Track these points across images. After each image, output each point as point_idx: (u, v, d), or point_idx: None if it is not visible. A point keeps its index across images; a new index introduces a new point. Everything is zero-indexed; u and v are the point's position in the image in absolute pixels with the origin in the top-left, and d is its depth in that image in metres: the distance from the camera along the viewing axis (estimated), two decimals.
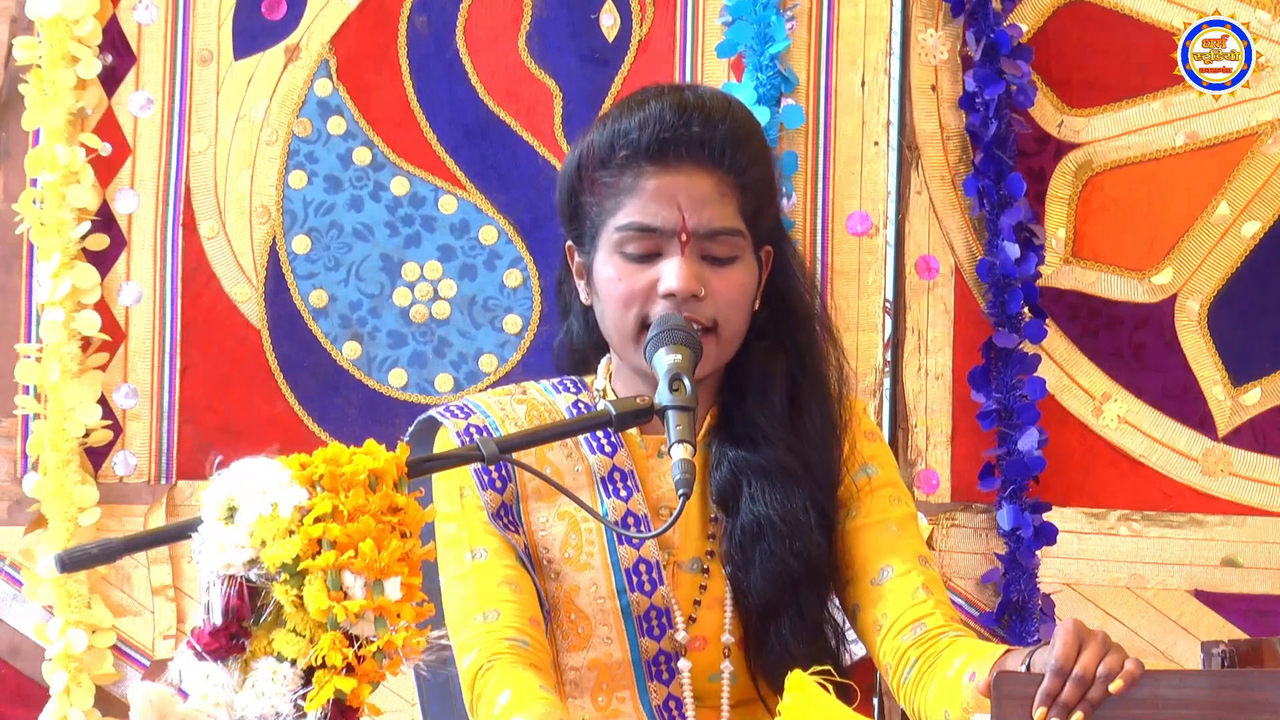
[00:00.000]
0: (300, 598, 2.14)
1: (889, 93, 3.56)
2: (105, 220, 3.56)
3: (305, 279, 3.57)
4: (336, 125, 3.57)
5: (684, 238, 2.58)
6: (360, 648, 2.14)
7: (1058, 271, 3.58)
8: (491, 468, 2.60)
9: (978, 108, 3.52)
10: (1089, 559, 3.56)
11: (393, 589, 2.15)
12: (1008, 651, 2.39)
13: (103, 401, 3.53)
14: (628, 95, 2.68)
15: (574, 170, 2.65)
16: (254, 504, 2.15)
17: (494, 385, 3.42)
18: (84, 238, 3.52)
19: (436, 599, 2.56)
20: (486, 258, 3.57)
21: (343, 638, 2.13)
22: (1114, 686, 2.15)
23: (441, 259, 3.57)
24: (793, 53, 3.53)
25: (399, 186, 3.57)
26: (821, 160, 3.55)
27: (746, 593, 2.61)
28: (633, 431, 2.64)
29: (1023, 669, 2.26)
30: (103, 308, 3.55)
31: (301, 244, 3.57)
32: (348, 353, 3.57)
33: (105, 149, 3.55)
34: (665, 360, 2.51)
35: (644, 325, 2.58)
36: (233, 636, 2.17)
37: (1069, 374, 3.58)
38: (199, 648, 2.17)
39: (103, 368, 3.54)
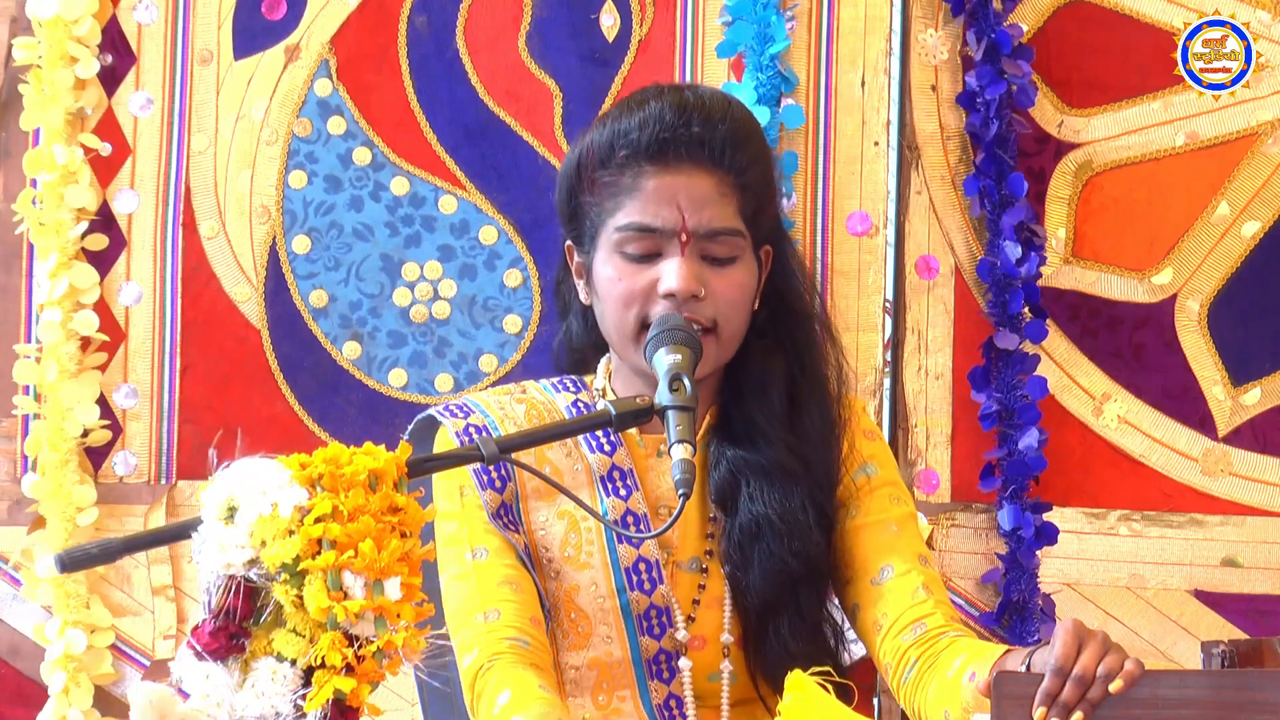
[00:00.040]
0: (300, 598, 2.14)
1: (889, 93, 3.56)
2: (105, 220, 3.56)
3: (305, 279, 3.57)
4: (336, 125, 3.57)
5: (684, 238, 2.57)
6: (360, 648, 2.14)
7: (1058, 271, 3.58)
8: (491, 467, 2.60)
9: (978, 107, 3.52)
10: (1089, 559, 3.56)
11: (393, 589, 2.15)
12: (1008, 651, 2.38)
13: (103, 401, 3.54)
14: (628, 95, 2.68)
15: (574, 170, 2.65)
16: (254, 504, 2.15)
17: (494, 385, 3.42)
18: (82, 238, 3.52)
19: (436, 599, 2.55)
20: (486, 258, 3.57)
21: (343, 638, 2.13)
22: (1114, 686, 2.15)
23: (441, 259, 3.57)
24: (793, 53, 3.53)
25: (399, 186, 3.57)
26: (821, 160, 3.55)
27: (745, 592, 2.61)
28: (632, 431, 2.64)
29: (1023, 669, 2.26)
30: (103, 308, 3.55)
31: (301, 244, 3.57)
32: (348, 353, 3.57)
33: (105, 149, 3.55)
34: (665, 360, 2.51)
35: (644, 325, 2.58)
36: (233, 636, 2.17)
37: (1069, 374, 3.59)
38: (199, 648, 2.17)
39: (102, 368, 3.54)
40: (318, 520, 2.15)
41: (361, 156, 3.58)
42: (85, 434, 3.52)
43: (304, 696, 2.13)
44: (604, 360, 2.73)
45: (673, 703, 2.62)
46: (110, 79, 3.56)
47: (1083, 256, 3.60)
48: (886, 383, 3.56)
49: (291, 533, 2.15)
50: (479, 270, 3.57)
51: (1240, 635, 3.52)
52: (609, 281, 2.60)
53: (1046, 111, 3.59)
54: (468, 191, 3.58)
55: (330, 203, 3.57)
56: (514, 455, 2.42)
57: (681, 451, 2.40)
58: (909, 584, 2.60)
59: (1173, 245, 3.60)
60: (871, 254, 3.56)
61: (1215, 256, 3.59)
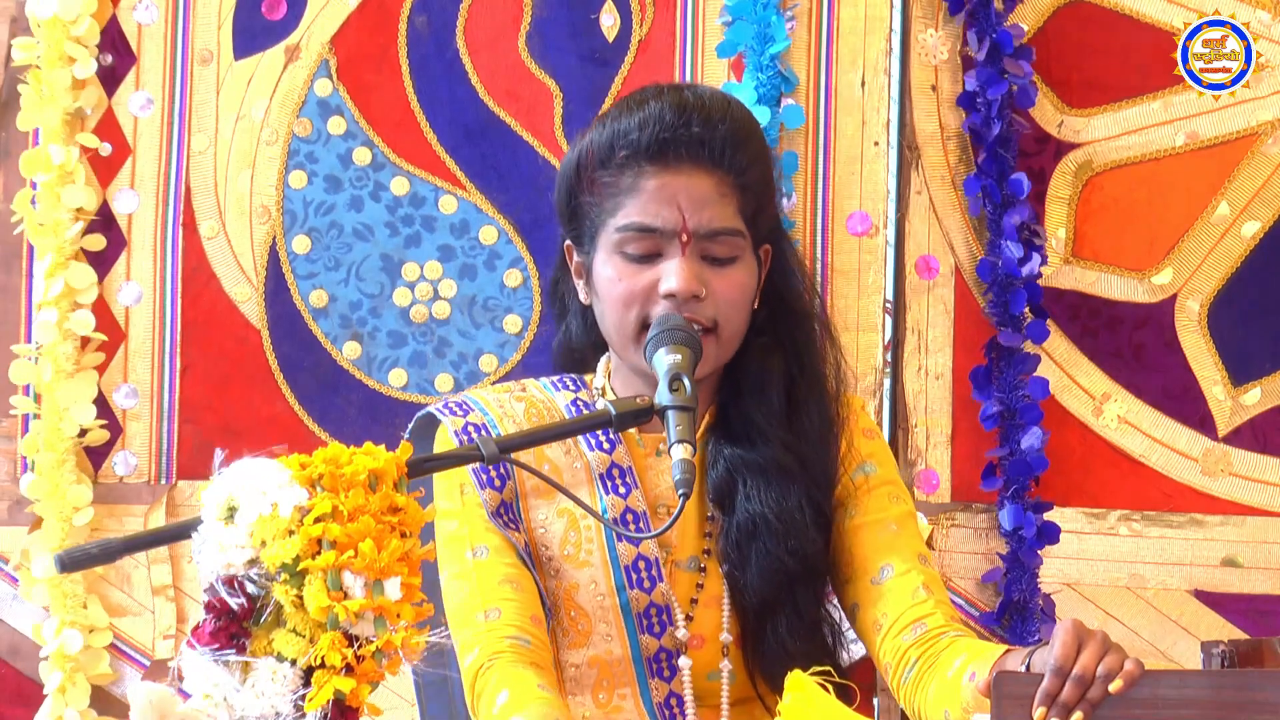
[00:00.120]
0: (300, 598, 2.14)
1: (889, 93, 3.56)
2: (105, 220, 3.56)
3: (305, 279, 3.57)
4: (336, 125, 3.57)
5: (684, 238, 2.57)
6: (360, 648, 2.14)
7: (1058, 271, 3.58)
8: (490, 466, 2.60)
9: (979, 108, 3.52)
10: (1089, 559, 3.56)
11: (393, 589, 2.15)
12: (1007, 651, 2.38)
13: (103, 401, 3.54)
14: (627, 95, 2.68)
15: (573, 170, 2.65)
16: (254, 504, 2.15)
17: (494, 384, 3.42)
18: (80, 237, 3.52)
19: (435, 597, 2.55)
20: (486, 258, 3.57)
21: (343, 638, 2.13)
22: (1114, 686, 2.15)
23: (441, 259, 3.57)
24: (793, 53, 3.53)
25: (399, 186, 3.57)
26: (821, 160, 3.55)
27: (743, 591, 2.61)
28: (631, 429, 2.64)
29: (1022, 669, 2.26)
30: (103, 308, 3.55)
31: (301, 244, 3.57)
32: (348, 353, 3.57)
33: (105, 149, 3.55)
34: (665, 360, 2.51)
35: (644, 325, 2.58)
36: (233, 636, 2.17)
37: (1069, 374, 3.59)
38: (199, 647, 2.17)
39: (100, 368, 3.54)
40: (318, 520, 2.15)
41: (361, 156, 3.58)
42: (83, 434, 3.52)
43: (304, 696, 2.13)
44: (604, 359, 2.73)
45: (673, 701, 2.62)
46: (110, 79, 3.56)
47: (1083, 256, 3.60)
48: (886, 383, 3.56)
49: (291, 533, 2.15)
50: (479, 270, 3.57)
51: (1240, 635, 3.52)
52: (609, 282, 2.60)
53: (1046, 111, 3.59)
54: (468, 191, 3.58)
55: (330, 203, 3.57)
56: (513, 455, 2.42)
57: (681, 451, 2.40)
58: (909, 583, 2.60)
59: (1173, 245, 3.60)
60: (871, 254, 3.56)
61: (1215, 256, 3.59)
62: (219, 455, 2.20)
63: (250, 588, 2.16)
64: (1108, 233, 3.60)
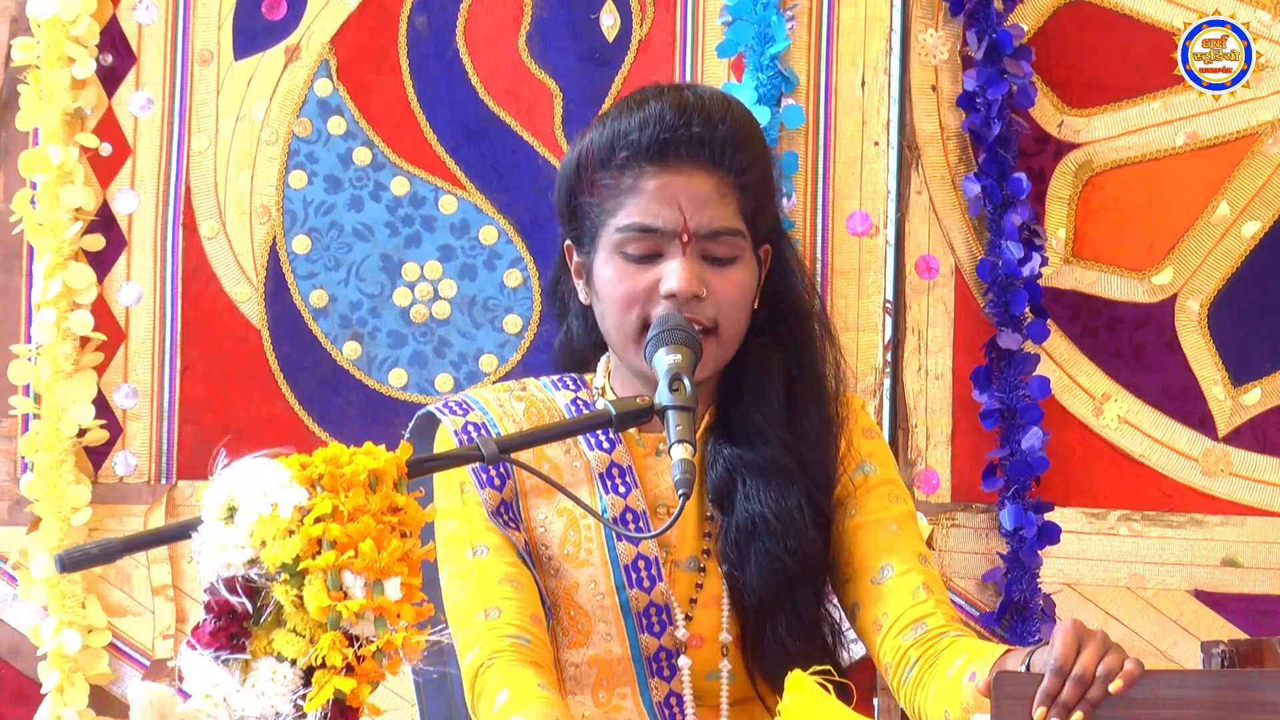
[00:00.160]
0: (300, 598, 2.14)
1: (889, 93, 3.56)
2: (105, 220, 3.56)
3: (305, 279, 3.57)
4: (336, 125, 3.57)
5: (685, 239, 2.57)
6: (360, 648, 2.14)
7: (1058, 271, 3.58)
8: (490, 466, 2.60)
9: (979, 108, 3.52)
10: (1089, 559, 3.56)
11: (393, 589, 2.15)
12: (1008, 651, 2.38)
13: (103, 401, 3.54)
14: (627, 95, 2.68)
15: (573, 170, 2.65)
16: (254, 504, 2.15)
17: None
18: (79, 237, 3.52)
19: (434, 596, 2.55)
20: (486, 258, 3.57)
21: (343, 638, 2.13)
22: (1114, 686, 2.15)
23: (441, 259, 3.57)
24: (793, 53, 3.53)
25: (399, 186, 3.57)
26: (821, 160, 3.55)
27: (742, 591, 2.61)
28: (631, 429, 2.64)
29: (1022, 669, 2.26)
30: (103, 308, 3.55)
31: (301, 244, 3.57)
32: (348, 353, 3.57)
33: (105, 149, 3.55)
34: (665, 360, 2.51)
35: (645, 326, 2.58)
36: (233, 636, 2.17)
37: (1069, 374, 3.59)
38: (199, 648, 2.17)
39: (100, 368, 3.54)
40: (318, 520, 2.15)
41: (361, 156, 3.58)
42: (82, 434, 3.52)
43: (304, 696, 2.13)
44: (604, 359, 2.73)
45: (673, 700, 2.62)
46: (110, 79, 3.56)
47: (1083, 256, 3.60)
48: (886, 383, 3.56)
49: (291, 533, 2.15)
50: (479, 270, 3.57)
51: (1240, 635, 3.52)
52: (610, 282, 2.60)
53: (1046, 111, 3.59)
54: (468, 191, 3.58)
55: (330, 203, 3.57)
56: (513, 455, 2.41)
57: (681, 451, 2.40)
58: (909, 583, 2.60)
59: (1173, 245, 3.60)
60: (871, 254, 3.56)
61: (1215, 256, 3.59)
62: (222, 456, 2.20)
63: (250, 588, 2.16)
64: (1108, 233, 3.60)
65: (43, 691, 3.48)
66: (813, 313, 2.74)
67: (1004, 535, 3.51)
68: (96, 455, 3.55)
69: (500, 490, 2.63)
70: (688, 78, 3.55)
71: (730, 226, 2.59)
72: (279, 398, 3.56)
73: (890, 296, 3.56)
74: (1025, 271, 3.51)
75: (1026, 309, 3.52)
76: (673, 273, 2.57)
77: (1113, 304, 3.60)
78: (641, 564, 2.62)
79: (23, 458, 3.54)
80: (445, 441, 2.65)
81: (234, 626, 2.17)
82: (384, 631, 2.14)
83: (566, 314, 2.79)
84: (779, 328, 2.69)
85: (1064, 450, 3.56)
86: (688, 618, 2.63)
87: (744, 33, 3.48)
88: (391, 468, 2.20)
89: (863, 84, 3.55)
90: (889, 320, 3.56)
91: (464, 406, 2.68)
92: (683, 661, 2.62)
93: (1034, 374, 3.52)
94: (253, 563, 2.16)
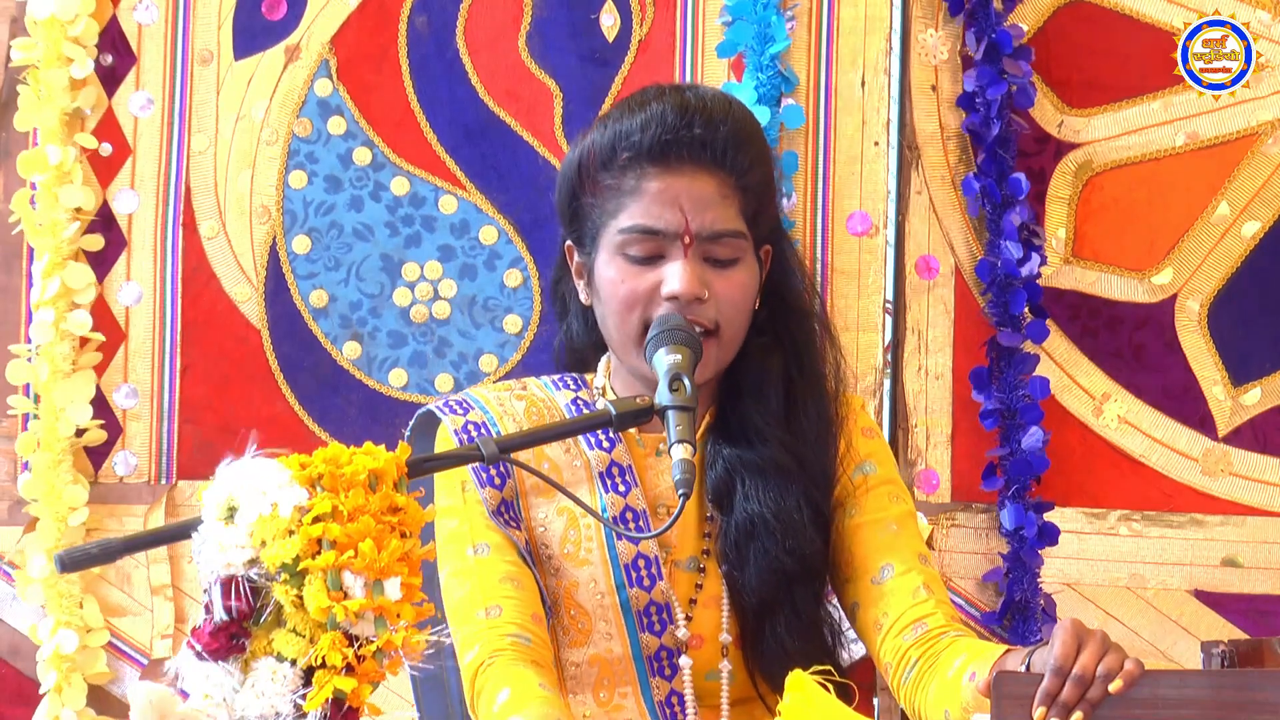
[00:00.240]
0: (300, 598, 2.14)
1: (889, 93, 3.56)
2: (105, 220, 3.56)
3: (305, 279, 3.57)
4: (336, 125, 3.57)
5: (687, 240, 2.57)
6: (360, 648, 2.14)
7: (1058, 271, 3.58)
8: (490, 466, 2.60)
9: (978, 108, 3.52)
10: (1089, 559, 3.56)
11: (393, 589, 2.15)
12: (1008, 651, 2.38)
13: (103, 401, 3.54)
14: (628, 96, 2.67)
15: (574, 171, 2.64)
16: (254, 504, 2.15)
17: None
18: (77, 237, 3.52)
19: (434, 595, 2.55)
20: (486, 258, 3.57)
21: (343, 638, 2.13)
22: (1113, 686, 2.15)
23: (441, 259, 3.57)
24: (793, 53, 3.53)
25: (399, 186, 3.57)
26: (821, 160, 3.55)
27: (742, 591, 2.61)
28: (631, 429, 2.64)
29: (1022, 669, 2.26)
30: (103, 308, 3.55)
31: (301, 244, 3.57)
32: (348, 353, 3.57)
33: (105, 149, 3.55)
34: (665, 360, 2.51)
35: (646, 327, 2.58)
36: (233, 636, 2.17)
37: (1069, 374, 3.59)
38: (199, 648, 2.17)
39: (100, 368, 3.54)
40: (317, 520, 2.15)
41: (361, 156, 3.58)
42: (80, 434, 3.52)
43: (304, 696, 2.13)
44: (604, 359, 2.73)
45: (674, 700, 2.62)
46: (110, 79, 3.56)
47: (1083, 256, 3.60)
48: (886, 383, 3.56)
49: (291, 533, 2.15)
50: (479, 270, 3.57)
51: (1240, 635, 3.52)
52: (611, 283, 2.60)
53: (1046, 111, 3.59)
54: (468, 191, 3.58)
55: (330, 203, 3.57)
56: (513, 454, 2.41)
57: (682, 451, 2.40)
58: (909, 583, 2.60)
59: (1173, 245, 3.60)
60: (871, 254, 3.56)
61: (1215, 256, 3.59)
62: (227, 459, 2.20)
63: (250, 588, 2.16)
64: (1108, 233, 3.60)
65: (41, 691, 3.48)
66: (813, 313, 2.74)
67: (1004, 535, 3.51)
68: (97, 455, 3.55)
69: (501, 489, 2.63)
70: (688, 78, 3.55)
71: (732, 228, 2.59)
72: (279, 398, 3.56)
73: (890, 296, 3.57)
74: (1025, 271, 3.51)
75: (1026, 309, 3.52)
76: (674, 275, 2.57)
77: (1113, 304, 3.60)
78: (641, 563, 2.62)
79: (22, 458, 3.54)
80: (445, 441, 2.65)
81: (234, 626, 2.17)
82: (384, 631, 2.14)
83: (567, 314, 2.79)
84: (779, 328, 2.69)
85: (1064, 450, 3.56)
86: (688, 618, 2.63)
87: (744, 33, 3.48)
88: (391, 468, 2.20)
89: (863, 84, 3.55)
90: (889, 320, 3.56)
91: (464, 406, 2.68)
92: (684, 661, 2.62)
93: (1034, 374, 3.53)
94: (253, 563, 2.16)
